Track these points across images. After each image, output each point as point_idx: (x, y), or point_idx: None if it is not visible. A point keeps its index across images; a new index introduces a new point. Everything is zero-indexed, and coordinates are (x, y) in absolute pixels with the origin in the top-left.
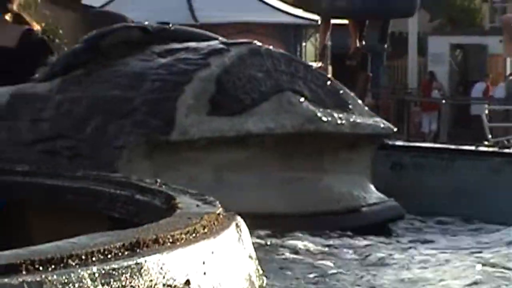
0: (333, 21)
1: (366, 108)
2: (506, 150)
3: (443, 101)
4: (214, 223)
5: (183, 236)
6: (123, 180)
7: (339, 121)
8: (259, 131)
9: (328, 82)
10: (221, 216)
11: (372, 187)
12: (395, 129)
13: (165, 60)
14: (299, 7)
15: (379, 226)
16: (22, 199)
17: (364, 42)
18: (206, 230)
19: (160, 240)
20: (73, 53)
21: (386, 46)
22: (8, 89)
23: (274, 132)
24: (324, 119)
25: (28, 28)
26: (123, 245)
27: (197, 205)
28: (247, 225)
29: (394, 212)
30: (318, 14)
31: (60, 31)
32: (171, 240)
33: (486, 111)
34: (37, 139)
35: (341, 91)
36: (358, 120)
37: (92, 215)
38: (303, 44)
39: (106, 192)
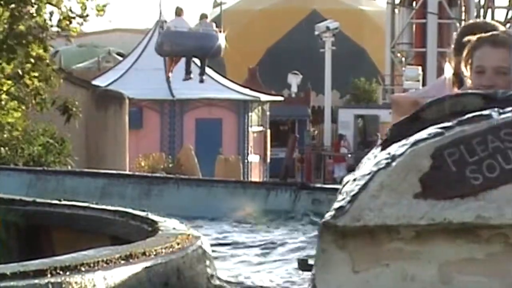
0: (270, 98)
1: None
2: None
3: (349, 155)
4: (185, 241)
5: (163, 250)
6: (120, 210)
7: None
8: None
9: None
10: (190, 236)
11: None
12: None
13: None
14: (246, 87)
15: None
16: (49, 224)
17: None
18: (179, 246)
19: (147, 253)
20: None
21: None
22: None
23: None
24: None
25: None
26: (120, 256)
27: (173, 228)
28: None
29: None
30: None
31: (76, 103)
32: (154, 253)
33: None
34: None
35: None
36: None
37: (98, 235)
38: (250, 113)
39: (108, 218)
